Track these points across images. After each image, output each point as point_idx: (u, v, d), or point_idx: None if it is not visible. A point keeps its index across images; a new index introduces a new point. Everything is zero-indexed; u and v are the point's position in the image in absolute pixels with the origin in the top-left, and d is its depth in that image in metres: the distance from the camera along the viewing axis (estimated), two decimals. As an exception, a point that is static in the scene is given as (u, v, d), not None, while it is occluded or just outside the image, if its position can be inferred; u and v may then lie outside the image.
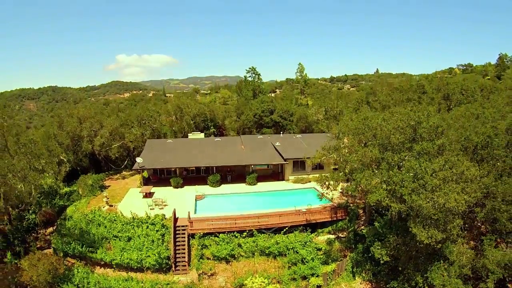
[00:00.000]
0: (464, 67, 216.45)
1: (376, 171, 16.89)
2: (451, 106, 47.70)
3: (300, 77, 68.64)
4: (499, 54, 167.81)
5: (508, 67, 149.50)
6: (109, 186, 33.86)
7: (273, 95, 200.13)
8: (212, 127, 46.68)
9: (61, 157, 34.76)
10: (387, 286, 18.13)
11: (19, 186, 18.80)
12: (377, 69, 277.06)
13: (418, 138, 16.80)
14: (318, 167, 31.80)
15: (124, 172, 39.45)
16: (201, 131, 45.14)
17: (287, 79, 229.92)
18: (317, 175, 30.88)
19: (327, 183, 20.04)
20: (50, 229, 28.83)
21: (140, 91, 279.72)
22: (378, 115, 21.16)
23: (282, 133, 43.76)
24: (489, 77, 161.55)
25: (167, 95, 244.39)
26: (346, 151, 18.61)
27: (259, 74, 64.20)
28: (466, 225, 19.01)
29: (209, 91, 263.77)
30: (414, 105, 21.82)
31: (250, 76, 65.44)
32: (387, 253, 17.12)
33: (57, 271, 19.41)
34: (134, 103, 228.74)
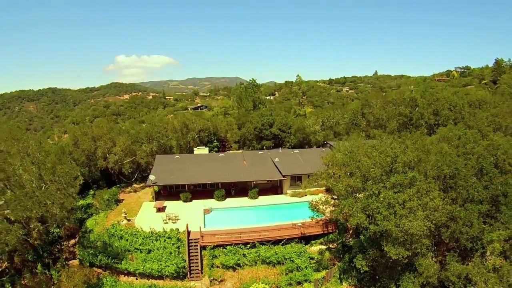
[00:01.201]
0: (462, 70, 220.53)
1: (358, 198, 20.72)
2: (439, 121, 51.46)
3: (298, 89, 72.50)
4: (495, 59, 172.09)
5: (504, 71, 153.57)
6: (123, 199, 37.61)
7: (272, 98, 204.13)
8: (215, 141, 50.46)
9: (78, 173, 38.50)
10: (368, 290, 22.03)
11: (57, 211, 22.40)
12: (376, 71, 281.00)
13: (394, 170, 20.63)
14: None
15: (134, 185, 43.13)
16: (205, 145, 48.94)
17: (286, 81, 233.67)
18: (313, 189, 34.96)
19: (317, 207, 23.88)
20: (73, 241, 32.56)
21: (140, 93, 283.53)
22: (364, 144, 25.01)
23: (281, 148, 47.43)
24: (485, 81, 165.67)
25: (167, 97, 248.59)
26: (332, 180, 22.46)
27: (259, 85, 67.91)
28: (435, 242, 22.87)
29: (208, 93, 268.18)
30: (394, 139, 25.45)
31: (250, 87, 69.15)
32: (366, 264, 20.98)
33: (90, 281, 23.20)
34: (134, 106, 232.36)
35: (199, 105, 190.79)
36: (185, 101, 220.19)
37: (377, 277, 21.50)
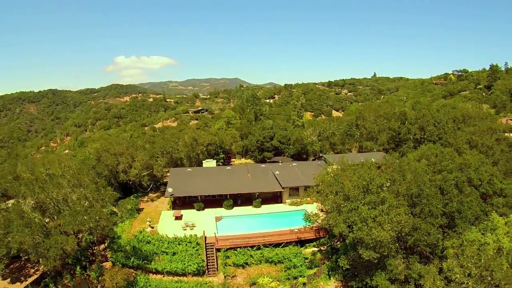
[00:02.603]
0: (460, 73, 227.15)
1: (341, 212, 26.99)
2: (425, 136, 57.57)
3: (297, 101, 78.76)
4: (491, 65, 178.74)
5: (499, 77, 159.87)
6: (143, 208, 43.87)
7: (271, 101, 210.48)
8: (221, 153, 56.73)
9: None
10: (349, 284, 28.31)
11: (105, 224, 28.47)
12: (375, 73, 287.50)
13: (369, 191, 26.88)
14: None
15: (150, 195, 49.36)
16: (212, 157, 55.16)
17: (285, 84, 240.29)
18: (308, 198, 41.24)
19: (310, 218, 30.14)
20: (103, 246, 38.72)
21: (140, 94, 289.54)
22: (348, 167, 31.28)
23: (281, 162, 53.60)
24: (480, 86, 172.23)
25: (167, 100, 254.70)
26: (321, 197, 28.73)
27: (260, 98, 73.95)
28: (404, 247, 29.12)
29: (208, 96, 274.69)
30: (370, 168, 31.38)
31: (251, 99, 75.33)
32: (348, 263, 27.26)
33: (128, 279, 29.34)
34: (135, 109, 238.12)
35: (199, 108, 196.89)
36: (185, 104, 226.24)
37: (356, 273, 27.74)
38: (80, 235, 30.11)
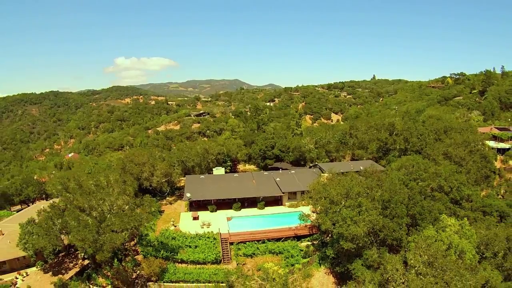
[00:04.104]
0: (457, 76, 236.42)
1: (328, 212, 35.81)
2: (408, 147, 66.39)
3: (296, 112, 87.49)
4: (485, 71, 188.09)
5: (493, 83, 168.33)
6: (163, 210, 52.64)
7: (271, 104, 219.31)
8: (228, 161, 65.55)
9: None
10: (335, 269, 37.12)
11: (144, 223, 37.20)
12: (374, 75, 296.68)
13: (349, 197, 35.67)
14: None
15: (168, 198, 58.13)
16: (220, 165, 63.96)
17: (285, 88, 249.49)
18: (303, 201, 50.02)
19: (303, 218, 39.00)
20: (133, 242, 47.43)
21: (141, 96, 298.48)
22: (335, 178, 40.10)
23: (281, 168, 62.43)
24: (475, 91, 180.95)
25: (169, 103, 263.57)
26: (312, 201, 37.58)
27: (262, 109, 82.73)
28: (379, 240, 37.95)
29: (209, 99, 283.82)
30: (351, 179, 40.05)
31: (254, 110, 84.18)
32: (333, 253, 36.09)
33: (161, 267, 38.00)
34: (138, 111, 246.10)
35: (201, 111, 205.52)
36: (187, 107, 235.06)
37: (340, 261, 36.54)
38: (124, 233, 38.84)
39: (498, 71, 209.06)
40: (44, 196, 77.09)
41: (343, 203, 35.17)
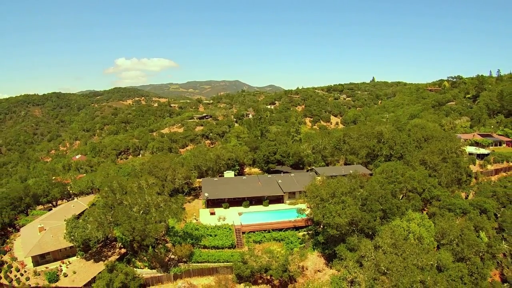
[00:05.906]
0: (454, 79, 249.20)
1: (319, 207, 48.06)
2: (393, 154, 78.57)
3: (295, 120, 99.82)
4: (477, 76, 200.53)
5: (485, 88, 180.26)
6: (184, 208, 64.72)
7: (272, 107, 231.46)
8: (237, 165, 77.84)
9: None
10: (325, 252, 49.39)
11: (174, 218, 49.39)
12: (373, 77, 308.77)
13: (334, 195, 47.92)
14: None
15: (186, 197, 70.26)
16: (230, 169, 76.15)
17: (285, 91, 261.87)
18: (301, 200, 62.28)
19: (300, 211, 51.28)
20: (161, 233, 59.51)
21: (142, 97, 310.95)
22: (325, 181, 52.34)
23: (282, 171, 74.70)
24: (469, 95, 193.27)
25: (172, 105, 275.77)
26: (307, 199, 49.91)
27: (265, 116, 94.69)
28: (356, 228, 50.21)
29: (211, 101, 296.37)
30: (338, 182, 52.16)
31: (257, 118, 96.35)
32: (323, 239, 48.40)
33: (191, 250, 50.09)
34: (142, 114, 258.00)
35: (204, 114, 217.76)
36: (189, 109, 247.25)
37: (328, 246, 48.86)
38: (162, 223, 50.96)
39: (495, 74, 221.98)
40: (67, 196, 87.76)
41: (330, 200, 47.48)
